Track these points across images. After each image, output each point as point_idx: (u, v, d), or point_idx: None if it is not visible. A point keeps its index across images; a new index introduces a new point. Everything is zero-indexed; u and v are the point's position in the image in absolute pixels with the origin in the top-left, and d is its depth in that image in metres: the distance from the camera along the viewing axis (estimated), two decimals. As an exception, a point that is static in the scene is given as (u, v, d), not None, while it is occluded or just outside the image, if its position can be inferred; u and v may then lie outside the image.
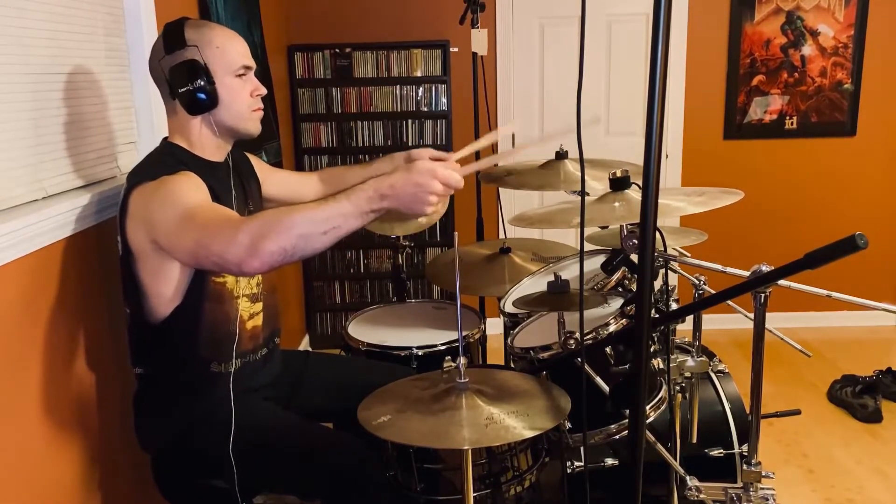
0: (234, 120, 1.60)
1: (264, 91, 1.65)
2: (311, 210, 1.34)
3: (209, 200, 1.49)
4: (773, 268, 1.38)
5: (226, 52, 1.56)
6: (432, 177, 1.36)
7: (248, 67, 1.61)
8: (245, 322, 1.64)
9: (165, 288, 1.52)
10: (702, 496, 1.63)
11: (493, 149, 3.74)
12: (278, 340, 1.80)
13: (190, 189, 1.46)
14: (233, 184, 1.66)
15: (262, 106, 1.66)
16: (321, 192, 1.98)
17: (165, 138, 1.65)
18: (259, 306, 1.68)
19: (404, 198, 1.36)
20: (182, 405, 1.61)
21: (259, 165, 1.89)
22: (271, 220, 1.33)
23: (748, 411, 1.65)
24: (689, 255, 1.98)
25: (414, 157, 1.91)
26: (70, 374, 1.64)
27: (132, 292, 1.55)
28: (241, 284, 1.62)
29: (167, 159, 1.56)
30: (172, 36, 1.54)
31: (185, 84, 1.53)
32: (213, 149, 1.63)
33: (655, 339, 1.70)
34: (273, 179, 1.92)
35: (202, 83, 1.53)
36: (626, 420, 1.67)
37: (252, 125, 1.64)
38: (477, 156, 2.55)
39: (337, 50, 3.84)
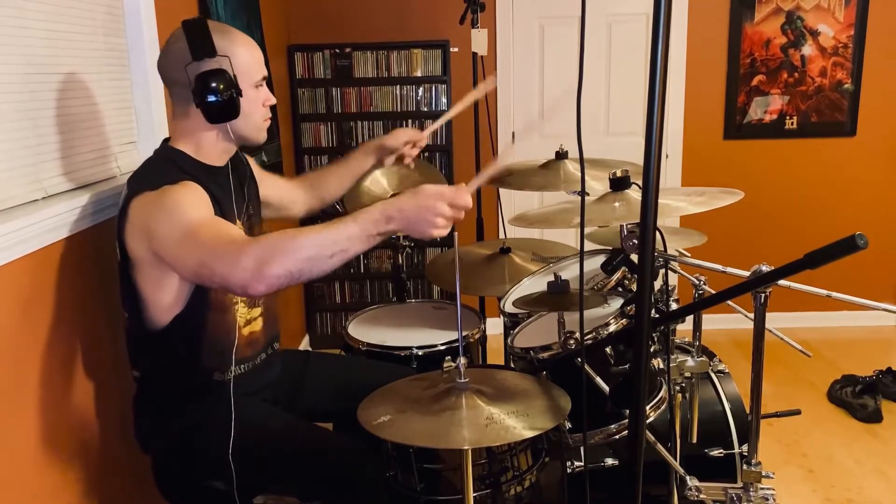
0: (249, 129, 1.60)
1: (274, 101, 1.65)
2: (317, 233, 1.32)
3: (212, 215, 1.48)
4: (773, 268, 1.38)
5: (249, 63, 1.56)
6: (440, 199, 1.35)
7: (265, 78, 1.61)
8: (241, 328, 1.63)
9: (165, 297, 1.50)
10: (702, 496, 1.63)
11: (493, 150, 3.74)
12: (277, 346, 1.79)
13: (192, 203, 1.44)
14: (233, 188, 1.66)
15: (271, 115, 1.66)
16: (305, 197, 2.01)
17: (166, 141, 1.63)
18: (257, 311, 1.68)
19: (412, 220, 1.35)
20: (182, 408, 1.61)
21: (255, 168, 1.88)
22: (277, 244, 1.31)
23: (748, 411, 1.65)
24: (689, 255, 1.98)
25: (387, 144, 1.98)
26: (69, 375, 1.64)
27: (130, 299, 1.54)
28: None
29: (169, 167, 1.54)
30: (200, 42, 1.50)
31: (215, 94, 1.49)
32: (218, 154, 1.62)
33: (655, 339, 1.70)
34: (269, 183, 1.92)
35: (232, 95, 1.51)
36: (626, 420, 1.67)
37: (262, 135, 1.65)
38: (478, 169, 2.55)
39: (337, 50, 3.84)
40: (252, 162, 1.89)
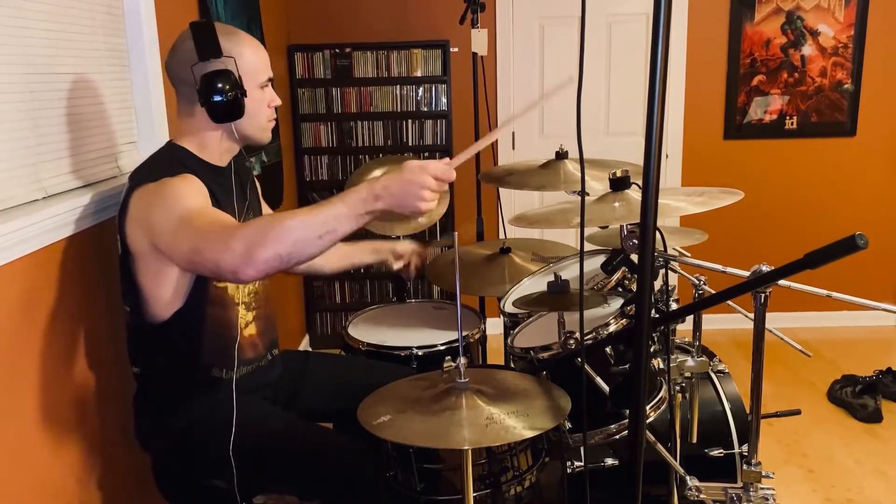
0: (253, 130, 1.61)
1: (279, 102, 1.67)
2: (305, 215, 1.32)
3: (209, 205, 1.49)
4: (773, 268, 1.38)
5: (254, 64, 1.57)
6: (424, 172, 1.35)
7: (270, 79, 1.62)
8: (242, 330, 1.64)
9: (164, 290, 1.51)
10: (702, 496, 1.63)
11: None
12: (276, 351, 1.79)
13: (190, 193, 1.46)
14: (234, 189, 1.66)
15: (276, 116, 1.67)
16: None
17: (170, 140, 1.64)
18: (251, 315, 1.68)
19: (398, 196, 1.34)
20: (181, 406, 1.61)
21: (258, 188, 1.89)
22: (265, 227, 1.32)
23: (748, 411, 1.65)
24: (689, 255, 1.98)
25: (398, 249, 2.11)
26: (70, 374, 1.64)
27: (131, 293, 1.55)
28: (241, 291, 1.63)
29: (171, 162, 1.55)
30: (207, 42, 1.52)
31: (219, 94, 1.51)
32: (221, 154, 1.64)
33: (655, 339, 1.70)
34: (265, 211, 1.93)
35: (237, 95, 1.52)
36: (626, 420, 1.67)
37: (266, 135, 1.66)
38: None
39: (337, 50, 3.84)
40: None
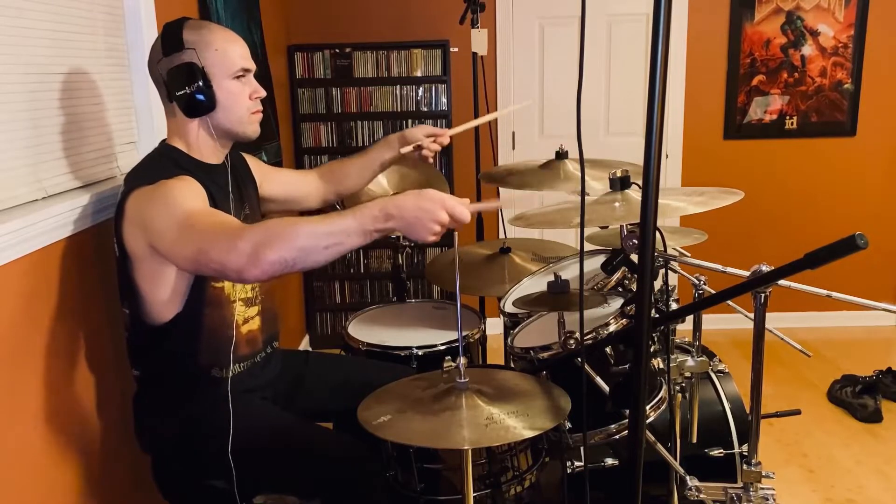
0: (232, 123, 1.59)
1: (263, 93, 1.64)
2: (315, 224, 1.32)
3: (207, 206, 1.49)
4: (773, 268, 1.38)
5: (224, 54, 1.55)
6: (441, 206, 1.33)
7: (247, 70, 1.59)
8: (240, 326, 1.63)
9: (162, 292, 1.51)
10: (702, 496, 1.63)
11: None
12: (277, 344, 1.79)
13: (188, 195, 1.45)
14: (230, 187, 1.66)
15: (261, 108, 1.65)
16: (321, 189, 1.99)
17: (164, 140, 1.64)
18: (255, 310, 1.68)
19: (409, 221, 1.33)
20: (181, 407, 1.61)
21: (257, 166, 1.88)
22: (274, 230, 1.31)
23: (748, 411, 1.65)
24: (689, 255, 1.98)
25: (408, 136, 1.93)
26: (69, 375, 1.64)
27: (129, 295, 1.55)
28: (238, 288, 1.62)
29: (165, 163, 1.55)
30: (170, 38, 1.53)
31: (182, 87, 1.51)
32: (212, 151, 1.63)
33: (655, 339, 1.70)
34: (273, 179, 1.91)
35: (199, 86, 1.51)
36: (626, 420, 1.67)
37: (251, 128, 1.63)
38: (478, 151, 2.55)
39: (337, 50, 3.84)
40: (252, 159, 1.89)
